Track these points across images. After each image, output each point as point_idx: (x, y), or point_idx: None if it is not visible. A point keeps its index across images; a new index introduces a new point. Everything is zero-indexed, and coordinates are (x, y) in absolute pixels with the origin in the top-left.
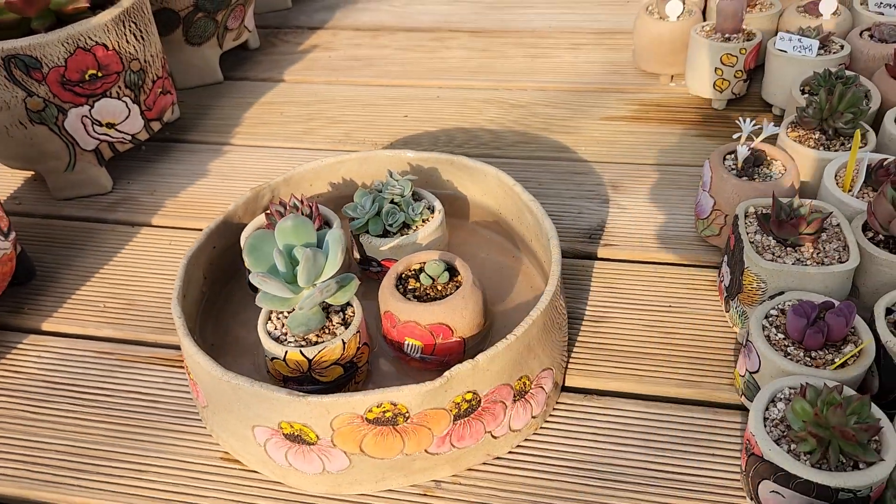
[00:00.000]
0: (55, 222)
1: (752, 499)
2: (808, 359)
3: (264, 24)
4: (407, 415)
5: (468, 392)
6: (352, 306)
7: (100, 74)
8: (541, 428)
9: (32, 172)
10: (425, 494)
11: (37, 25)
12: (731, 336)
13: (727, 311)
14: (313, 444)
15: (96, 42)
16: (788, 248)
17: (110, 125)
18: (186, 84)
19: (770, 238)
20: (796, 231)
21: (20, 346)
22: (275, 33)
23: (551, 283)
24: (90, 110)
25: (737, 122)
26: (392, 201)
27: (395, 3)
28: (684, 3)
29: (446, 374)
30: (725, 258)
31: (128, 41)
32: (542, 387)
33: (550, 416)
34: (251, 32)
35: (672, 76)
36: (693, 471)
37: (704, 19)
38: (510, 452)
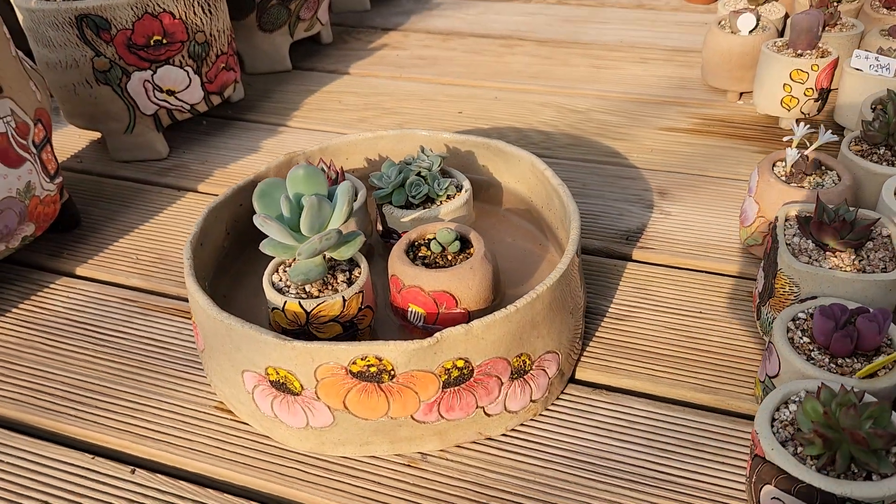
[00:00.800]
0: (109, 181)
1: None
2: (834, 365)
3: (340, 21)
4: (392, 372)
5: (459, 359)
6: (359, 267)
7: (164, 41)
8: (540, 415)
9: (97, 136)
10: (409, 465)
11: None
12: (760, 346)
13: (758, 319)
14: (298, 394)
15: (164, 9)
16: (828, 253)
17: (170, 92)
18: (255, 70)
19: (809, 241)
20: (838, 235)
21: (52, 286)
22: (349, 31)
23: (564, 261)
24: (152, 75)
25: (790, 126)
26: (419, 174)
27: (470, 11)
28: (759, 19)
29: (437, 334)
30: (762, 264)
31: (195, 13)
32: (544, 370)
33: (553, 404)
34: (324, 26)
35: (741, 94)
36: (697, 476)
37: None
38: (504, 435)
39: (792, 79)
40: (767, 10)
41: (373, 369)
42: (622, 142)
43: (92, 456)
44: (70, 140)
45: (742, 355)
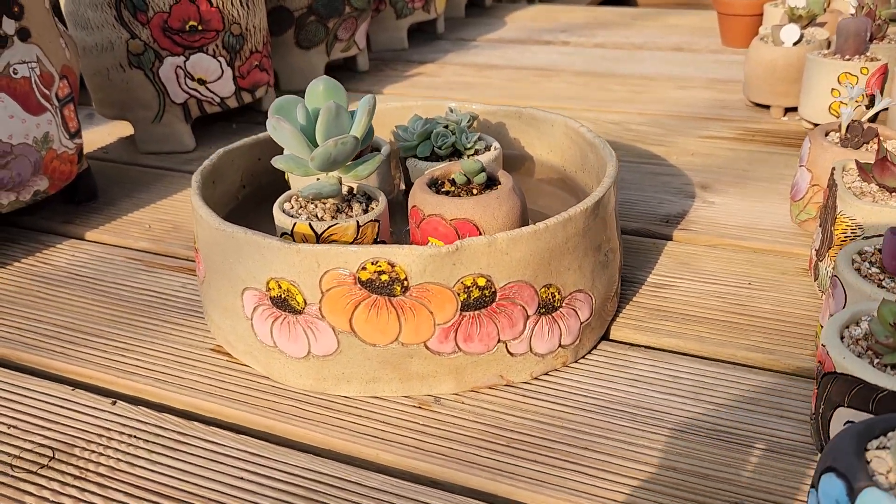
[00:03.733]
0: (133, 168)
1: (822, 450)
2: None
3: (378, 57)
4: (405, 283)
5: (480, 276)
6: (377, 201)
7: (200, 28)
8: (569, 365)
9: (126, 134)
10: (420, 407)
11: None
12: (819, 311)
13: (815, 280)
14: (300, 312)
15: None
16: (893, 194)
17: (202, 81)
18: (290, 87)
19: (871, 185)
20: None
21: (58, 246)
22: (386, 63)
23: (600, 189)
24: (185, 62)
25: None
26: (446, 126)
27: (507, 51)
28: (802, 30)
29: (457, 242)
30: (818, 222)
31: (232, 4)
32: (575, 311)
33: (585, 357)
34: (361, 51)
35: (786, 111)
36: (752, 428)
37: None
38: (527, 383)
39: (840, 83)
40: (810, 32)
41: (384, 277)
42: (661, 147)
43: (72, 388)
44: (99, 136)
45: (799, 321)
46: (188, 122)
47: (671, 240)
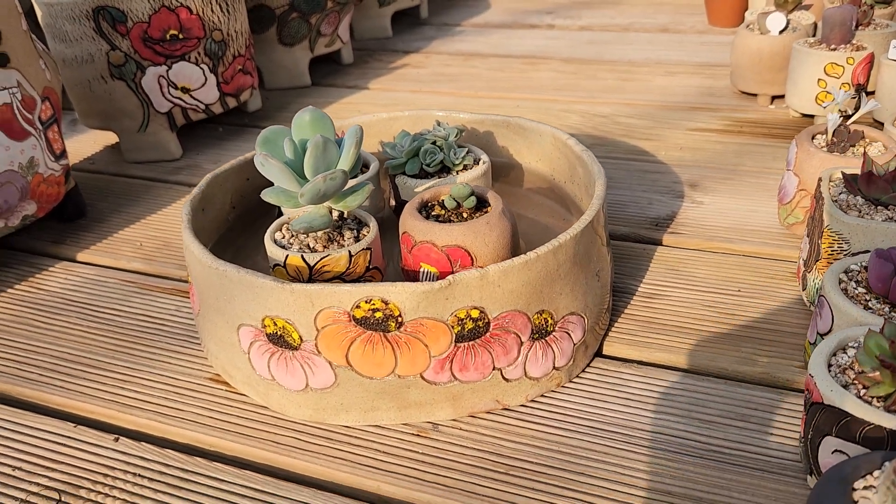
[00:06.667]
0: (120, 179)
1: (811, 473)
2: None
3: (362, 47)
4: (400, 319)
5: (474, 308)
6: (368, 226)
7: (181, 36)
8: (564, 386)
9: (111, 141)
10: (419, 435)
11: None
12: (807, 321)
13: (803, 290)
14: (297, 348)
15: (181, 4)
16: (879, 207)
17: (185, 90)
18: (275, 84)
19: (858, 198)
20: (889, 188)
21: (50, 269)
22: (370, 53)
23: (589, 212)
24: (167, 71)
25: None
26: (434, 143)
27: (492, 36)
28: (788, 19)
29: (449, 277)
30: (806, 230)
31: (212, 10)
32: (568, 333)
33: (578, 377)
34: (345, 44)
35: (773, 99)
36: (743, 447)
37: None
38: (523, 406)
39: (827, 73)
40: (797, 17)
41: (378, 314)
42: (649, 141)
43: (74, 425)
44: (84, 145)
45: (787, 330)
46: (173, 131)
47: (661, 244)
